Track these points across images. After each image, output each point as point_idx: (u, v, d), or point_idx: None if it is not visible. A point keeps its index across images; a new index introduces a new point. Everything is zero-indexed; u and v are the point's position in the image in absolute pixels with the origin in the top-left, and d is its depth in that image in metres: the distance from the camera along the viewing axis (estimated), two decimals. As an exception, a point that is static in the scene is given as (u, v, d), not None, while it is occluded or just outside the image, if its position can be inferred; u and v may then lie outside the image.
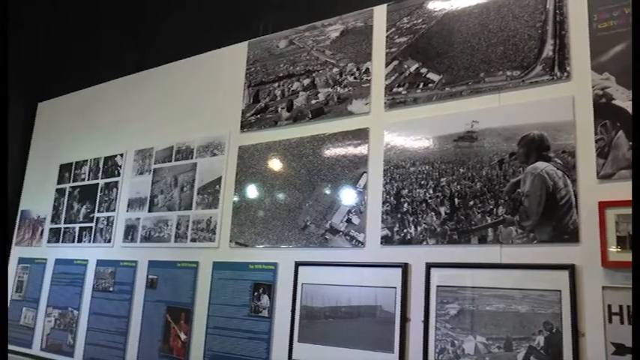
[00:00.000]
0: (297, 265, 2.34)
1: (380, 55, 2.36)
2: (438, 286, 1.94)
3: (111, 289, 3.15)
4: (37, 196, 3.99)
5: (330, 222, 2.30)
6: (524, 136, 1.88)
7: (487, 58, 2.04)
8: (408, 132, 2.16)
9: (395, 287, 2.04)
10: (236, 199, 2.67)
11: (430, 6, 2.26)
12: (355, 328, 2.12)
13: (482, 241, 1.88)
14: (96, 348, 3.13)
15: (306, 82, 2.57)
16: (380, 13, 2.41)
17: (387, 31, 2.36)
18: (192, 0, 3.49)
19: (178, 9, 3.58)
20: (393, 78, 2.28)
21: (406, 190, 2.10)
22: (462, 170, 1.98)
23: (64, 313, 3.40)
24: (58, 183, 3.83)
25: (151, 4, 3.77)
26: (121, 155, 3.41)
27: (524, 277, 1.78)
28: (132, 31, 3.85)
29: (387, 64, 2.32)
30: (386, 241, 2.11)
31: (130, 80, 3.58)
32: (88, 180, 3.59)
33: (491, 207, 1.89)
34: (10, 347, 3.67)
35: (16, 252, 3.99)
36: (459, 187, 1.97)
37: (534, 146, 1.85)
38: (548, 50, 1.90)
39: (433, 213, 2.01)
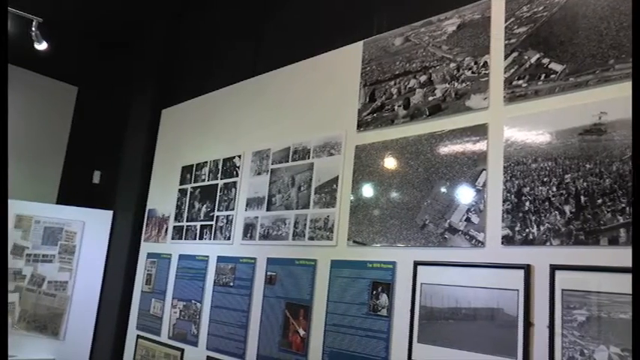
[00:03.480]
0: (416, 264, 2.39)
1: (498, 48, 2.35)
2: (563, 290, 1.91)
3: (231, 284, 3.40)
4: (162, 196, 4.40)
5: (449, 221, 2.34)
6: (661, 128, 1.81)
7: (617, 43, 1.97)
8: (529, 126, 2.15)
9: (517, 290, 2.03)
10: (353, 198, 2.78)
11: (552, -8, 2.22)
12: (476, 331, 2.13)
13: (614, 242, 1.83)
14: (218, 339, 3.39)
15: (423, 78, 2.62)
16: (498, 3, 2.41)
17: (506, 21, 2.35)
18: (307, 3, 3.67)
19: (293, 12, 3.76)
20: (512, 70, 2.27)
21: (528, 188, 2.10)
22: (588, 166, 1.95)
23: (188, 305, 3.72)
24: (180, 184, 4.19)
25: (266, 8, 4.00)
26: (239, 157, 3.66)
27: (663, 281, 1.70)
28: (248, 36, 4.09)
29: (505, 57, 2.31)
30: (507, 241, 2.12)
31: (246, 84, 3.81)
32: (208, 180, 3.89)
33: (623, 205, 1.83)
34: (142, 334, 4.14)
35: (145, 247, 4.44)
36: (585, 184, 1.94)
37: (673, 138, 1.77)
38: (692, 29, 1.82)
39: (557, 212, 1.99)
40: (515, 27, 2.32)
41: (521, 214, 2.10)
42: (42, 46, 3.54)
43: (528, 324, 1.99)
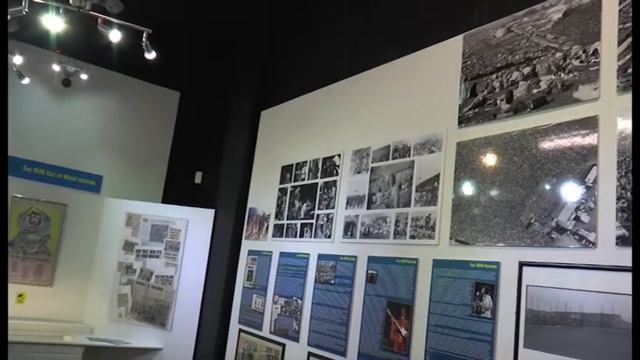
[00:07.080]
0: (521, 265, 2.36)
1: (611, 33, 2.26)
2: (693, 296, 1.81)
3: (332, 281, 3.50)
4: (262, 195, 4.60)
5: (556, 220, 2.28)
6: None
7: None
8: (648, 117, 2.07)
9: (635, 295, 1.97)
10: (455, 195, 2.78)
11: (678, -34, 2.09)
12: (588, 338, 2.06)
13: None
14: (319, 335, 3.51)
15: (527, 70, 2.57)
16: (611, -15, 2.31)
17: (620, 3, 2.24)
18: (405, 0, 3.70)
19: (390, 10, 3.79)
20: (627, 57, 2.17)
21: (646, 185, 2.02)
22: None
23: (288, 302, 3.88)
24: (280, 183, 4.37)
25: (363, 7, 4.05)
26: (339, 155, 3.75)
27: None
28: (344, 36, 4.18)
29: (619, 43, 2.21)
30: (622, 241, 2.03)
31: (345, 84, 3.91)
32: (308, 180, 4.03)
33: None
34: (244, 328, 4.37)
35: (246, 245, 4.67)
36: None
37: None
38: None
39: (681, 210, 1.89)
40: (632, 9, 2.19)
41: (638, 213, 2.02)
42: (151, 55, 3.83)
43: (650, 333, 1.91)
